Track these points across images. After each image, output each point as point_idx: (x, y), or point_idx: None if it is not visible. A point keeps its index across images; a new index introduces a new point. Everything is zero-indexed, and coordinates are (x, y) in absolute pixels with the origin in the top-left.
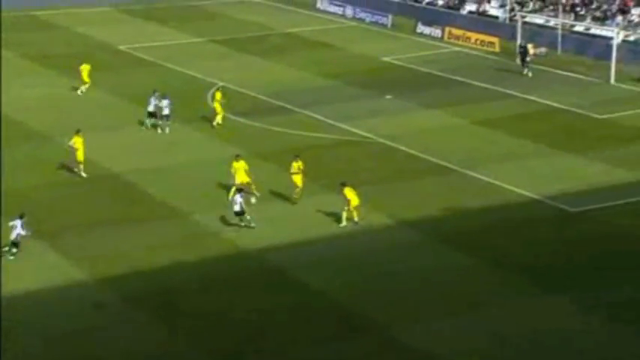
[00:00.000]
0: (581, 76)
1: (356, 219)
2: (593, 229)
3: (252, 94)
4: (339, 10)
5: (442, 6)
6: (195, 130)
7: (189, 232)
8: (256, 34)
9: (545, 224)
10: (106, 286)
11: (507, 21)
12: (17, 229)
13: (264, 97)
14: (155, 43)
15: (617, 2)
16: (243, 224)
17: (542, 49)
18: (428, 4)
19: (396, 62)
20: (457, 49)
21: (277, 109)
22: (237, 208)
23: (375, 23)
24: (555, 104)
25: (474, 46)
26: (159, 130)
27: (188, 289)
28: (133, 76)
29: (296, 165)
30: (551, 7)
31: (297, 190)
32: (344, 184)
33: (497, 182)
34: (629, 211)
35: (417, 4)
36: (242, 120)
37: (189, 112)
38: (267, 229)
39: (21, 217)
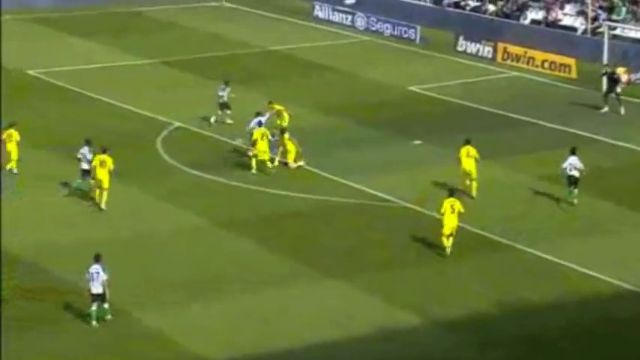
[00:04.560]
0: None
1: (447, 248)
2: None
3: (221, 137)
4: (346, 19)
5: (494, 13)
6: (141, 191)
7: (126, 334)
8: (227, 53)
9: None
10: None
11: (589, 34)
12: (100, 274)
13: (236, 143)
14: (81, 67)
15: None
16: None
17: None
18: (473, 10)
19: (427, 93)
20: (515, 73)
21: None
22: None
23: (399, 38)
24: None
25: (540, 70)
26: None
27: None
28: (50, 112)
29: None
30: None
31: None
32: (453, 192)
33: (574, 266)
34: None
35: (457, 11)
36: (204, 175)
37: (132, 166)
38: (237, 330)
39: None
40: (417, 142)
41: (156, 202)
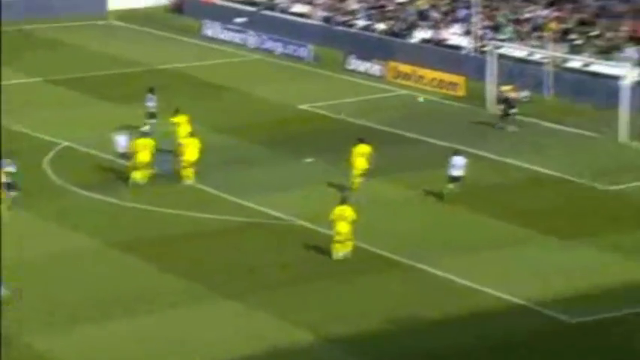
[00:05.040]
0: (578, 131)
1: (341, 253)
2: (604, 351)
3: (109, 157)
4: (237, 37)
5: (383, 32)
6: (29, 212)
7: (14, 358)
8: (115, 72)
9: (534, 342)
10: None
11: (476, 53)
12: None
13: (126, 162)
14: None
15: (627, 28)
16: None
17: (525, 94)
18: (363, 29)
19: (318, 111)
20: (405, 92)
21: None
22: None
23: (290, 56)
24: (543, 170)
25: (429, 88)
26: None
27: None
28: None
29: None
30: (537, 35)
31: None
32: (344, 200)
33: (464, 281)
34: None
35: (346, 30)
36: (94, 195)
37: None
38: (128, 351)
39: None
40: (309, 159)
41: (45, 223)
